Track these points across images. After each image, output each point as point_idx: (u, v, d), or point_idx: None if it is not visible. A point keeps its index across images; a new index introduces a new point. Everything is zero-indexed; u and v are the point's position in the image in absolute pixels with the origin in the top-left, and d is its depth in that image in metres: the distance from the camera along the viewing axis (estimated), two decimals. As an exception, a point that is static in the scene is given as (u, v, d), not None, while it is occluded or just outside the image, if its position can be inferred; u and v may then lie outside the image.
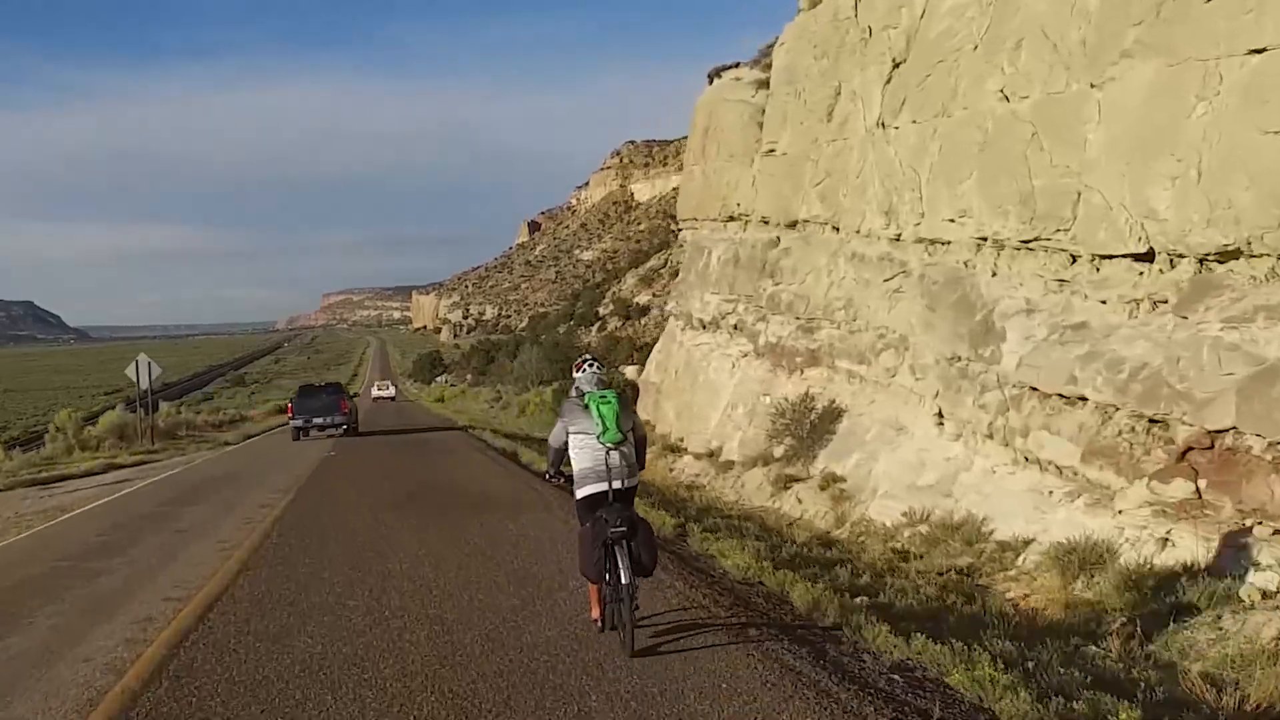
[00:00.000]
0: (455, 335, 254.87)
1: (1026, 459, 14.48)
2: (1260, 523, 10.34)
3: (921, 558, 13.95)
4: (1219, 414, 11.07)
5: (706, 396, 29.44)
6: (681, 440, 30.22)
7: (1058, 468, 13.74)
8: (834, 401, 21.24)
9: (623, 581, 8.13)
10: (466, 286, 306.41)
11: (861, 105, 21.56)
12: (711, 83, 35.61)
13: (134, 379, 42.64)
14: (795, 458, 20.95)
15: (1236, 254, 11.81)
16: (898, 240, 19.83)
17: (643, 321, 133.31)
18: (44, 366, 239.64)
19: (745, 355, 27.83)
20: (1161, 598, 9.85)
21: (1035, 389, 14.49)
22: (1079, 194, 14.28)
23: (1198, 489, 11.34)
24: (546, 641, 8.42)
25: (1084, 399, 13.45)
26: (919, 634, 7.73)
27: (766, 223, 27.84)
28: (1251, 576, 9.72)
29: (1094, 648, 8.63)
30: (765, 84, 30.39)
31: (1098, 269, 14.23)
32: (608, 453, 8.44)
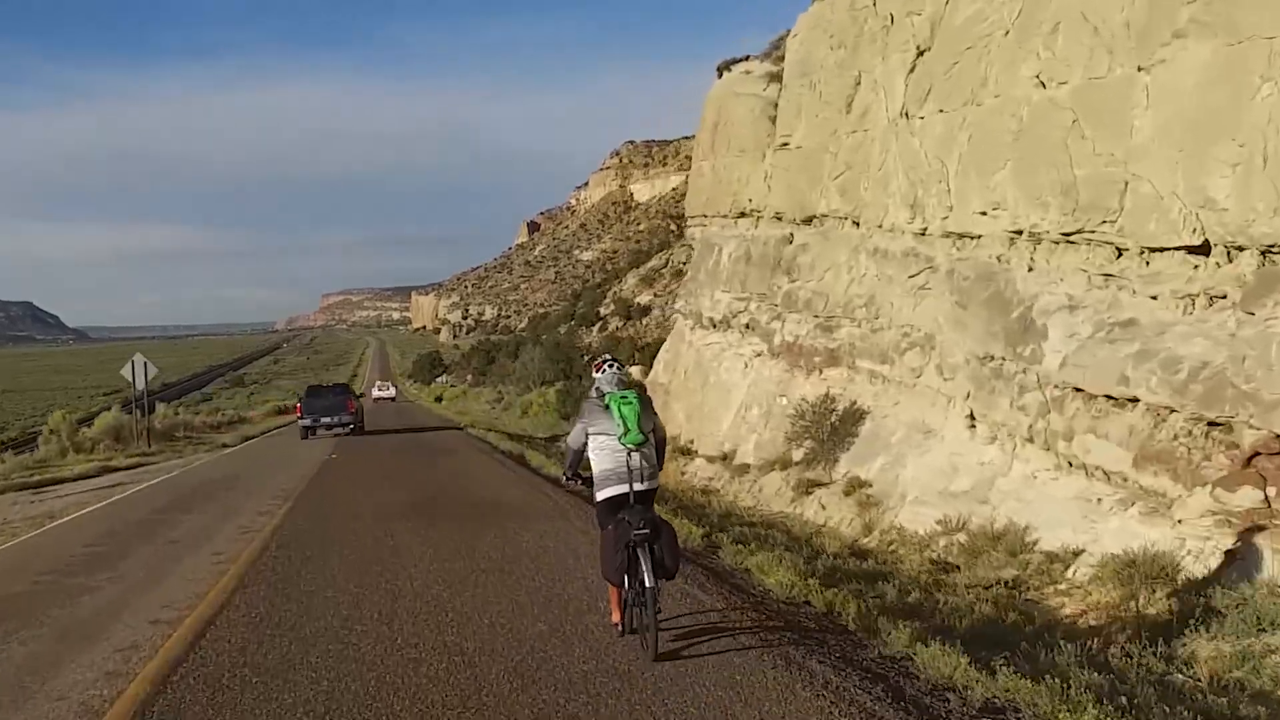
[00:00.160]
0: (455, 336, 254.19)
1: (1070, 464, 13.67)
2: (1344, 535, 9.54)
3: (962, 569, 13.13)
4: (1293, 417, 10.27)
5: (718, 397, 28.64)
6: (692, 442, 29.42)
7: (1105, 473, 12.92)
8: (855, 403, 20.43)
9: (646, 585, 7.96)
10: (466, 287, 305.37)
11: (883, 95, 20.75)
12: (721, 76, 34.79)
13: (130, 379, 41.75)
14: (815, 461, 20.13)
15: (1309, 245, 11.01)
16: (923, 235, 19.01)
17: (644, 321, 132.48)
18: (43, 367, 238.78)
19: (759, 355, 27.03)
20: (1237, 615, 9.05)
21: (1080, 390, 13.68)
22: (1126, 183, 13.45)
23: (1266, 497, 10.53)
24: (584, 677, 7.50)
25: (1134, 400, 12.64)
26: (1000, 663, 6.89)
27: (780, 218, 27.04)
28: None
29: (1180, 675, 7.82)
30: (776, 77, 29.65)
31: (1147, 263, 13.40)
32: (629, 454, 8.31)
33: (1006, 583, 12.23)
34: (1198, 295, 12.49)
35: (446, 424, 56.13)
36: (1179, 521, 11.27)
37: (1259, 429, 10.75)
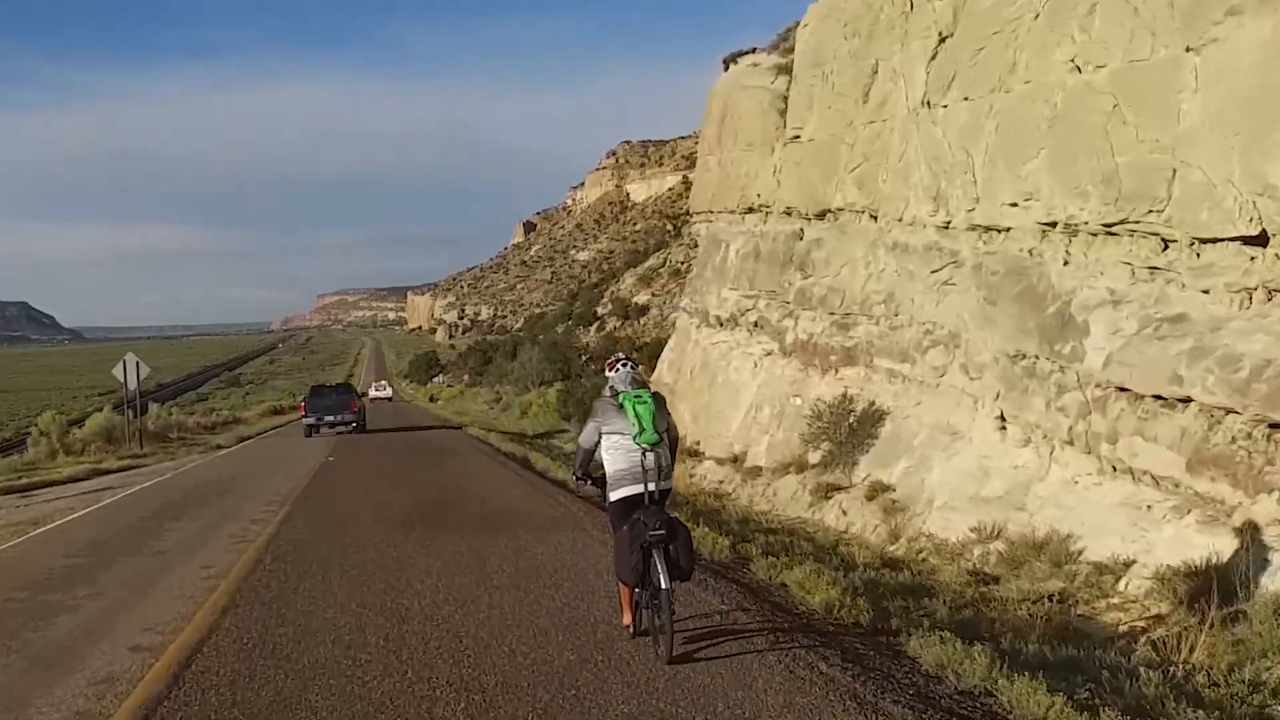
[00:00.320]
0: (450, 336, 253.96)
1: (1115, 468, 12.88)
2: None
3: (1003, 581, 12.32)
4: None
5: (726, 398, 27.84)
6: (699, 444, 28.62)
7: (1154, 478, 12.13)
8: (874, 403, 19.63)
9: (661, 586, 7.87)
10: (462, 287, 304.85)
11: (903, 84, 19.93)
12: (727, 69, 33.98)
13: (121, 379, 40.90)
14: (833, 464, 19.32)
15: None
16: (947, 228, 18.20)
17: (642, 321, 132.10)
18: (38, 367, 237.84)
19: (769, 354, 26.23)
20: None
21: (1125, 389, 12.87)
22: (1174, 170, 12.64)
23: (1342, 505, 9.75)
24: (625, 720, 6.57)
25: (1186, 401, 11.84)
26: (1085, 695, 6.08)
27: (790, 213, 26.24)
28: None
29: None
30: (785, 69, 28.86)
31: (1198, 254, 12.57)
32: (644, 454, 8.24)
33: (1053, 596, 11.42)
34: (1255, 289, 11.69)
35: (445, 424, 55.42)
36: (1241, 530, 10.50)
37: (1331, 432, 9.98)
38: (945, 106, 18.31)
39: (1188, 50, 12.61)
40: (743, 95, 30.90)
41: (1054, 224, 15.07)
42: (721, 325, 30.28)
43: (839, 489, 18.29)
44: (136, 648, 8.89)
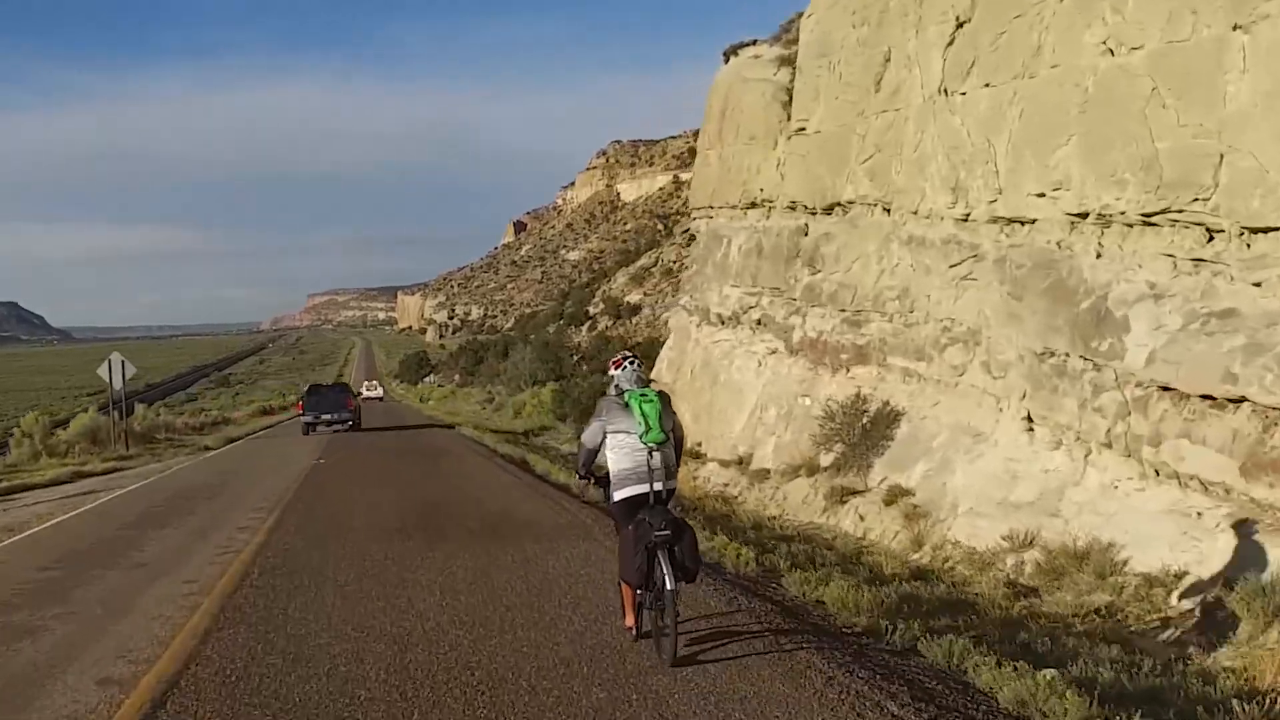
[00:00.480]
0: (441, 336, 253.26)
1: (1158, 473, 12.10)
2: None
3: (1042, 593, 11.54)
4: None
5: (729, 398, 27.05)
6: (700, 445, 27.82)
7: (1203, 484, 11.36)
8: (888, 403, 18.85)
9: (666, 588, 7.73)
10: (452, 287, 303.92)
11: (918, 71, 19.13)
12: (727, 62, 33.15)
13: (107, 379, 39.96)
14: (847, 467, 18.53)
15: None
16: (966, 220, 17.42)
17: (634, 320, 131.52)
18: (26, 367, 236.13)
19: (773, 352, 25.44)
20: None
21: (1168, 389, 12.10)
22: (1221, 156, 11.86)
23: None
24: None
25: (1238, 401, 11.08)
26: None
27: (794, 208, 25.45)
28: None
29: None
30: (788, 61, 28.09)
31: (1248, 245, 11.79)
32: (650, 453, 8.15)
33: (1099, 610, 10.63)
34: (1313, 281, 10.93)
35: (438, 424, 54.61)
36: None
37: None
38: (964, 94, 17.53)
39: (1235, 29, 11.84)
40: (744, 88, 30.08)
41: (1085, 214, 14.28)
42: (723, 323, 29.50)
43: (854, 493, 17.50)
44: (105, 680, 7.94)
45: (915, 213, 19.02)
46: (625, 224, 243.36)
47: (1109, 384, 13.03)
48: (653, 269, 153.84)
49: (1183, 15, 12.69)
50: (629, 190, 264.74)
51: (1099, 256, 14.05)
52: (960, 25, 17.85)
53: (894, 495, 16.38)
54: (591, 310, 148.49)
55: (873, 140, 20.61)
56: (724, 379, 27.94)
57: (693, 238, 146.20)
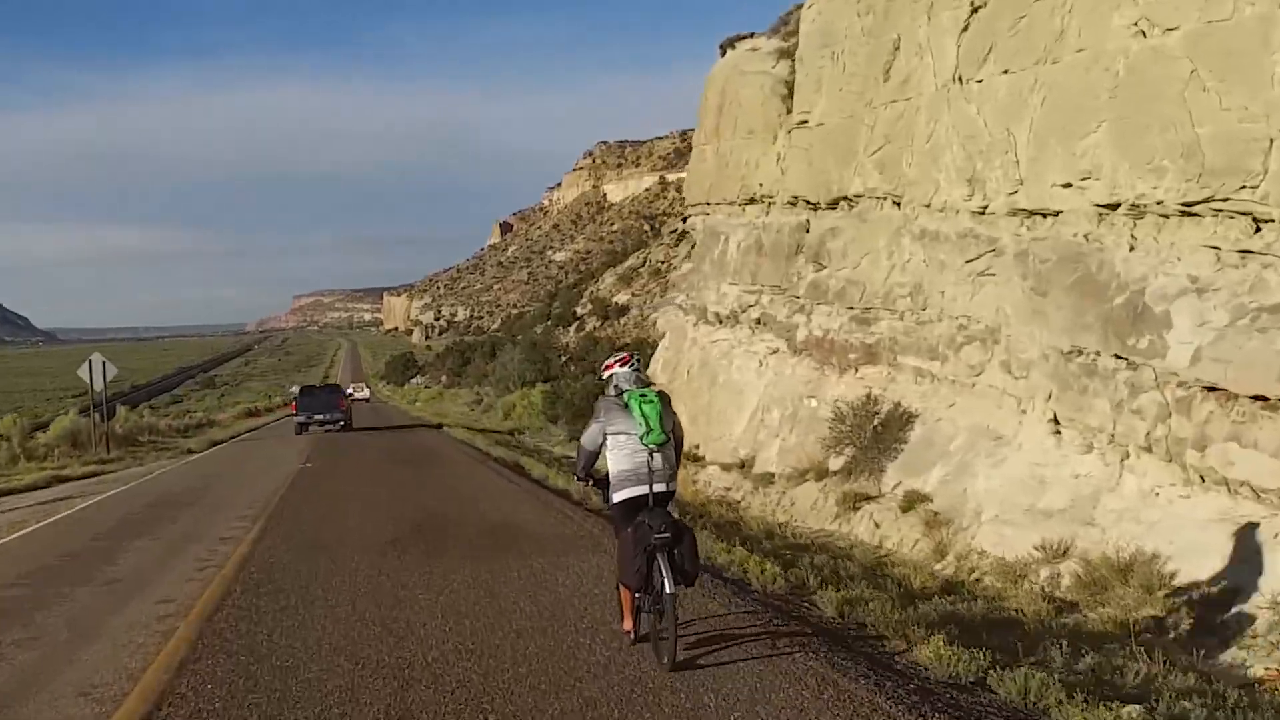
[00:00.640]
0: (427, 337, 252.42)
1: (1204, 479, 11.34)
2: None
3: (1083, 607, 10.76)
4: None
5: (729, 399, 26.27)
6: (698, 448, 27.04)
7: (1255, 490, 10.61)
8: (900, 405, 18.08)
9: (666, 591, 7.58)
10: (438, 288, 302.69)
11: (931, 59, 18.36)
12: (724, 55, 32.37)
13: (87, 380, 38.99)
14: (858, 471, 17.75)
15: None
16: (983, 213, 16.67)
17: (622, 321, 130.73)
18: (11, 369, 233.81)
19: (775, 352, 24.68)
20: None
21: (1215, 388, 11.34)
22: (1270, 141, 11.12)
23: None
24: None
25: (1294, 402, 10.32)
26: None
27: (794, 204, 24.71)
28: None
29: None
30: (787, 53, 27.39)
31: (1301, 235, 11.05)
32: (650, 455, 8.02)
33: (1149, 627, 9.86)
34: (1377, 273, 10.18)
35: (427, 426, 53.78)
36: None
37: None
38: (980, 82, 16.79)
39: (1284, 4, 11.10)
40: (742, 81, 29.33)
41: (1116, 205, 13.53)
42: (721, 322, 28.73)
43: (867, 499, 16.73)
44: (65, 722, 7.02)
45: (928, 206, 18.27)
46: (612, 225, 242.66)
47: (1148, 384, 12.27)
48: (641, 269, 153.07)
49: (1223, -6, 11.98)
50: (615, 191, 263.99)
51: (1132, 249, 13.29)
52: (975, 10, 17.10)
53: (911, 501, 15.61)
54: (579, 311, 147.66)
55: (882, 131, 19.85)
56: (723, 379, 27.17)
57: (681, 237, 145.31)
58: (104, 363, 38.75)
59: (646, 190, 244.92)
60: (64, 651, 8.92)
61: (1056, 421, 14.17)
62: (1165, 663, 7.97)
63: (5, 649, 9.12)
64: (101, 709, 7.15)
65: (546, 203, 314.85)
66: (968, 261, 16.87)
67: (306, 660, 8.08)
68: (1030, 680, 6.43)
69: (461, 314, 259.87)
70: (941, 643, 7.14)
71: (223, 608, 10.08)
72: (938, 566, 13.62)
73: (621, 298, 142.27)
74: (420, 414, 72.68)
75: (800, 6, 27.07)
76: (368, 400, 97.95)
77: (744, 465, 23.05)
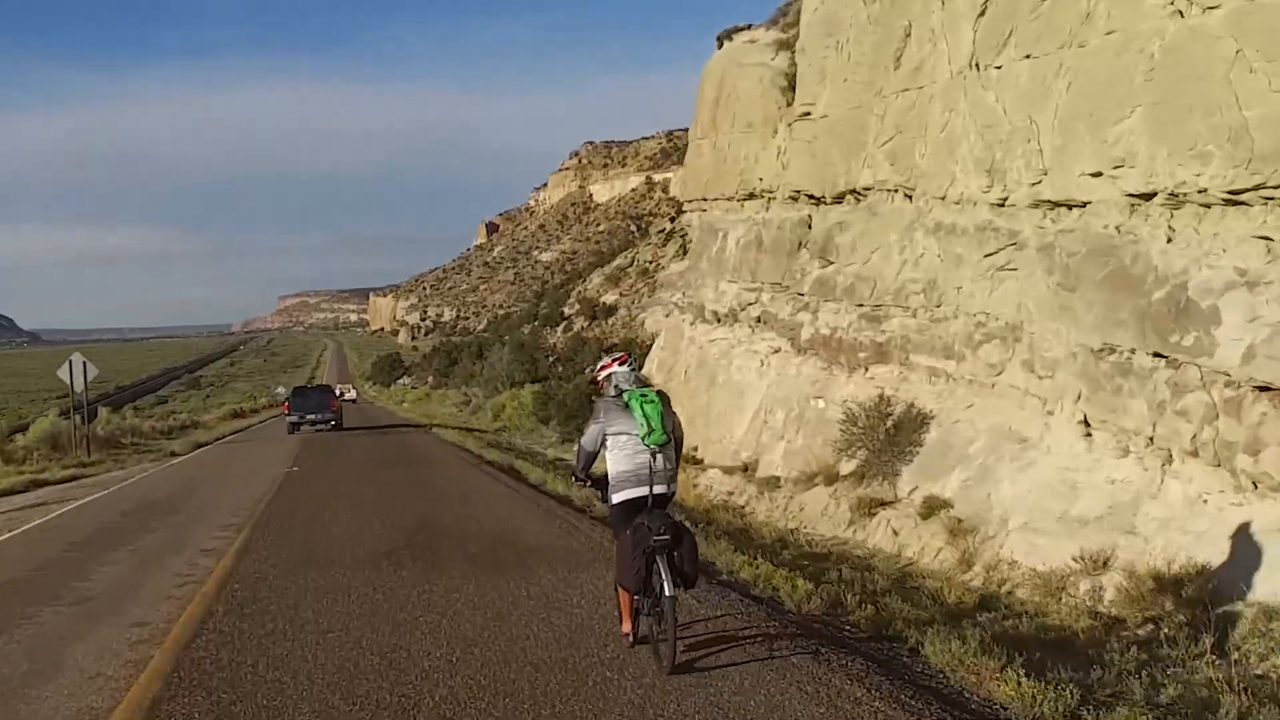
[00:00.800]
0: (413, 337, 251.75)
1: (1257, 485, 10.59)
2: None
3: (1128, 624, 9.99)
4: None
5: (729, 400, 25.49)
6: (696, 450, 26.25)
7: (1314, 499, 9.85)
8: (913, 405, 17.31)
9: (665, 594, 7.52)
10: (424, 288, 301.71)
11: (945, 46, 17.60)
12: (721, 47, 31.58)
13: (67, 381, 38.05)
14: (871, 475, 16.98)
15: None
16: (1003, 206, 15.91)
17: (610, 321, 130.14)
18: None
19: (777, 351, 23.91)
20: None
21: (1268, 388, 10.60)
22: (1328, 123, 10.37)
23: None
24: None
25: (1357, 403, 9.58)
26: None
27: (796, 199, 23.96)
28: None
29: None
30: (786, 45, 26.64)
31: (1363, 223, 10.30)
32: (652, 455, 7.95)
33: (1211, 647, 9.06)
34: None
35: (415, 427, 53.05)
36: None
37: None
38: (999, 68, 16.03)
39: (1340, -22, 10.37)
40: (740, 73, 28.55)
41: (1152, 194, 12.76)
42: (720, 321, 27.96)
43: (883, 504, 15.96)
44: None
45: (943, 198, 17.51)
46: (598, 225, 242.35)
47: (1193, 383, 11.52)
48: (629, 269, 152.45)
49: (1269, -33, 11.24)
50: (601, 191, 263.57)
51: (1170, 241, 12.54)
52: (993, -7, 16.36)
53: (931, 507, 14.84)
54: (567, 311, 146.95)
55: (892, 121, 19.08)
56: (722, 380, 26.40)
57: (669, 237, 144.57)
58: (84, 363, 37.84)
59: (633, 191, 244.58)
60: (20, 688, 7.86)
61: (1087, 423, 13.43)
62: (1246, 691, 7.20)
63: (-44, 684, 8.04)
64: (61, 762, 6.21)
65: (533, 203, 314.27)
66: (986, 256, 16.11)
67: (296, 699, 7.14)
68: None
69: (447, 314, 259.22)
70: (1021, 677, 6.34)
71: (203, 632, 9.13)
72: (965, 577, 12.86)
73: (609, 298, 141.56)
74: (408, 415, 71.79)
75: (799, -3, 26.37)
76: (354, 401, 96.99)
77: (747, 468, 22.27)
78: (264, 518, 17.10)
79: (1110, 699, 6.26)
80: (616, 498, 8.05)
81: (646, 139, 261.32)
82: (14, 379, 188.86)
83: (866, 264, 19.54)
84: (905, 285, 18.36)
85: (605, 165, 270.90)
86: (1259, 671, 8.61)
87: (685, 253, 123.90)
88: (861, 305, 19.54)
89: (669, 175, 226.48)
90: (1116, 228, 13.40)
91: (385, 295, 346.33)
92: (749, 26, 31.41)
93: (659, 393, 8.32)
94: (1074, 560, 11.65)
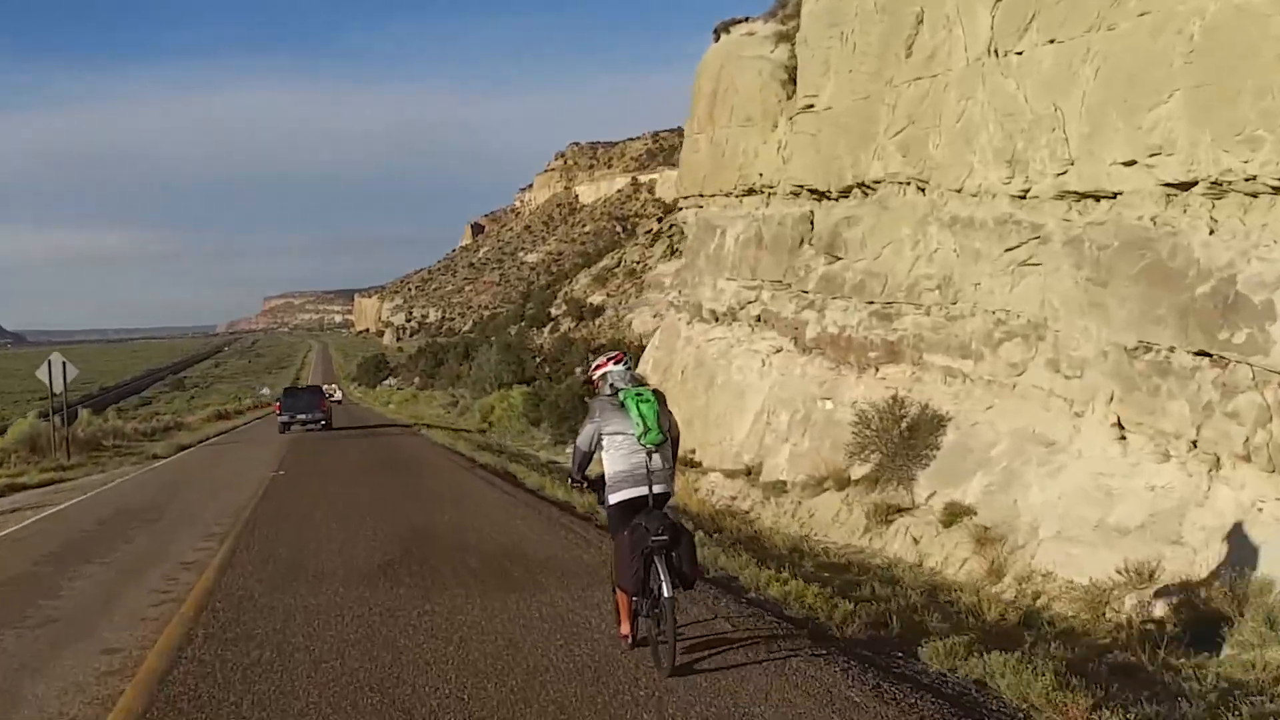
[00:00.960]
0: (399, 338, 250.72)
1: (1317, 492, 9.87)
2: None
3: (1185, 643, 9.22)
4: None
5: (729, 401, 24.73)
6: (693, 453, 25.51)
7: (1384, 508, 9.13)
8: (928, 407, 16.57)
9: (664, 595, 7.43)
10: (409, 289, 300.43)
11: (961, 32, 16.87)
12: (718, 40, 30.80)
13: (46, 382, 37.11)
14: (886, 480, 16.25)
15: None
16: (1024, 198, 15.17)
17: (597, 322, 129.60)
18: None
19: (779, 350, 23.16)
20: None
21: (1327, 389, 9.87)
22: (1391, 105, 9.65)
23: None
24: None
25: None
26: None
27: (798, 194, 23.21)
28: None
29: None
30: (786, 37, 25.91)
31: None
32: (649, 455, 7.87)
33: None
34: None
35: (403, 427, 52.26)
36: None
37: None
38: (1020, 54, 15.32)
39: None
40: (739, 67, 27.78)
41: (1190, 183, 12.04)
42: (718, 320, 27.20)
43: (901, 510, 15.22)
44: None
45: (959, 191, 16.78)
46: (584, 226, 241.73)
47: (1244, 383, 10.80)
48: (616, 270, 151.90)
49: (1321, -58, 10.54)
50: (587, 192, 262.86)
51: (1212, 232, 11.82)
52: (1012, -23, 15.62)
53: (953, 514, 14.09)
54: (554, 312, 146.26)
55: (904, 111, 18.33)
56: (721, 380, 25.64)
57: (656, 237, 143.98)
58: (64, 363, 36.90)
59: (619, 191, 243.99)
60: (-32, 728, 6.83)
61: (1121, 426, 12.71)
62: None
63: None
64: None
65: (518, 204, 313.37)
66: (1007, 250, 15.39)
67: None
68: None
69: (433, 315, 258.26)
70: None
71: (180, 662, 8.13)
72: (995, 589, 12.11)
73: (596, 298, 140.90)
74: (395, 416, 70.84)
75: (799, -13, 25.63)
76: (339, 402, 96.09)
77: (750, 472, 21.52)
78: (249, 526, 16.17)
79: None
80: (614, 498, 7.93)
81: (633, 140, 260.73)
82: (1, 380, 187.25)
83: (877, 260, 18.80)
84: (918, 281, 17.63)
85: (591, 166, 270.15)
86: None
87: (674, 253, 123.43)
88: (872, 303, 18.80)
89: (655, 176, 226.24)
90: (1152, 219, 12.69)
91: (370, 296, 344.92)
92: (746, 19, 30.67)
93: (655, 391, 8.18)
94: (1117, 573, 10.90)
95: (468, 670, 7.65)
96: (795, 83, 24.05)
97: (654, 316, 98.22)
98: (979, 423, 15.65)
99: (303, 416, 48.87)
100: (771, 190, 25.02)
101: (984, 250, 15.95)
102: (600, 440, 7.99)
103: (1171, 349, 11.97)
